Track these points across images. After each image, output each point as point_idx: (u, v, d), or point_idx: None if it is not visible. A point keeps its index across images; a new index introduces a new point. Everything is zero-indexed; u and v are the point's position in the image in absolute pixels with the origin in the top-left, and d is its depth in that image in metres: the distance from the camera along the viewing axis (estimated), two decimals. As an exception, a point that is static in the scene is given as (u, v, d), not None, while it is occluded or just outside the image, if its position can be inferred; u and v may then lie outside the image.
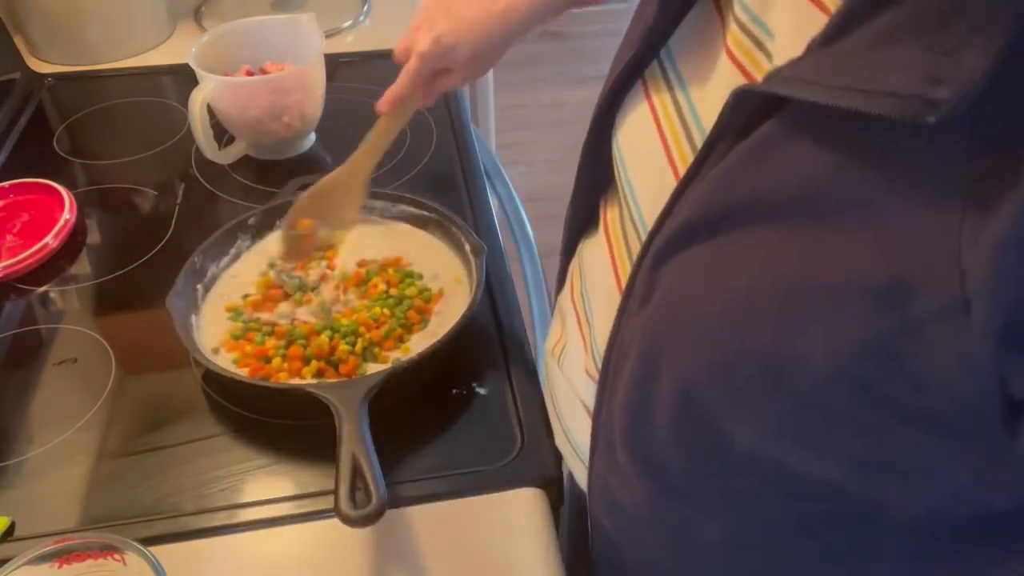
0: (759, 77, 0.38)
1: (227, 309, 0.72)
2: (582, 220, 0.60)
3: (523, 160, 2.38)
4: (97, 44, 1.10)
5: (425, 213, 0.78)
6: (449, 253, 0.76)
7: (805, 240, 0.33)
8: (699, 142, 0.41)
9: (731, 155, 0.36)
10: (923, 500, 0.39)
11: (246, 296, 0.73)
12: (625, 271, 0.49)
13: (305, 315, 0.71)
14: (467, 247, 0.74)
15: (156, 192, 0.90)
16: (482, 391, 0.68)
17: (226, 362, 0.67)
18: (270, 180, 0.89)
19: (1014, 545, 0.40)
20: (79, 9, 1.06)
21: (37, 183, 0.87)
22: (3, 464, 0.63)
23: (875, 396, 0.33)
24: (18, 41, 1.10)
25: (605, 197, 0.56)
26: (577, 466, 0.58)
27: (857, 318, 0.32)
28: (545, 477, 0.62)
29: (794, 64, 0.32)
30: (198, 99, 0.83)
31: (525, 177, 2.27)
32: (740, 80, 0.39)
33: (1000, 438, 0.31)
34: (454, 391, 0.68)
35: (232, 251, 0.77)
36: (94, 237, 0.86)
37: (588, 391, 0.54)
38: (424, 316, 0.71)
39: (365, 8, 1.20)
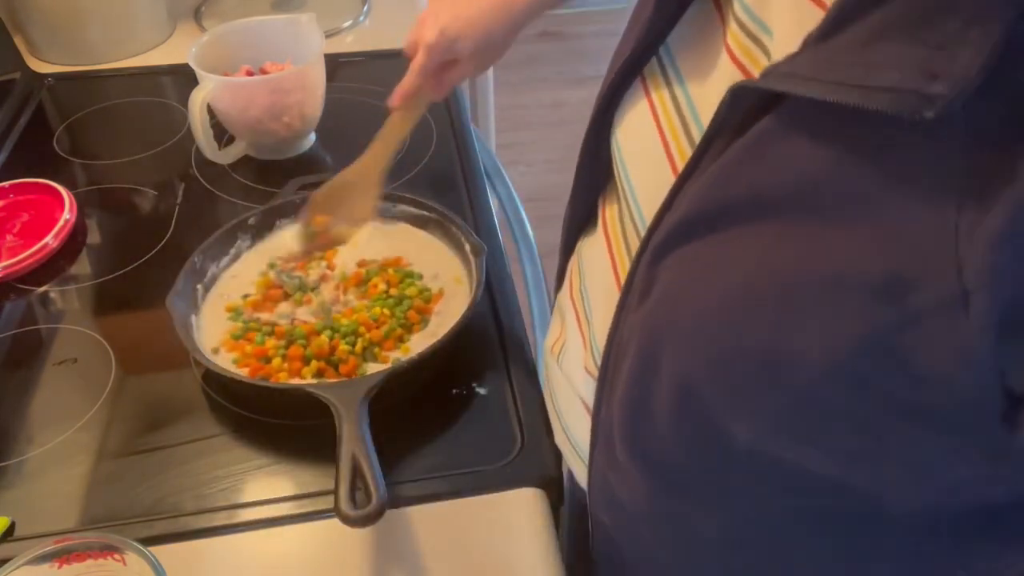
0: (757, 75, 0.38)
1: (227, 309, 0.72)
2: (581, 218, 0.60)
3: (523, 160, 2.39)
4: (97, 44, 1.10)
5: (425, 213, 0.78)
6: (449, 253, 0.76)
7: (802, 236, 0.33)
8: (698, 138, 0.41)
9: (728, 152, 0.36)
10: (921, 494, 0.39)
11: (246, 296, 0.73)
12: (624, 268, 0.49)
13: (305, 315, 0.71)
14: (467, 247, 0.74)
15: (156, 192, 0.90)
16: (482, 391, 0.68)
17: (226, 362, 0.67)
18: (270, 180, 0.89)
19: (1013, 542, 0.40)
20: (79, 9, 1.06)
21: (37, 183, 0.88)
22: (3, 464, 0.63)
23: (873, 392, 0.33)
24: (18, 41, 1.10)
25: (604, 195, 0.56)
26: (577, 464, 0.58)
27: (855, 314, 0.32)
28: (545, 477, 0.61)
29: (790, 60, 0.32)
30: (198, 99, 0.83)
31: (525, 177, 2.27)
32: (739, 78, 0.39)
33: (999, 432, 0.31)
34: (454, 391, 0.68)
35: (232, 251, 0.77)
36: (94, 237, 0.86)
37: (587, 388, 0.54)
38: (424, 316, 0.71)
39: (365, 8, 1.20)
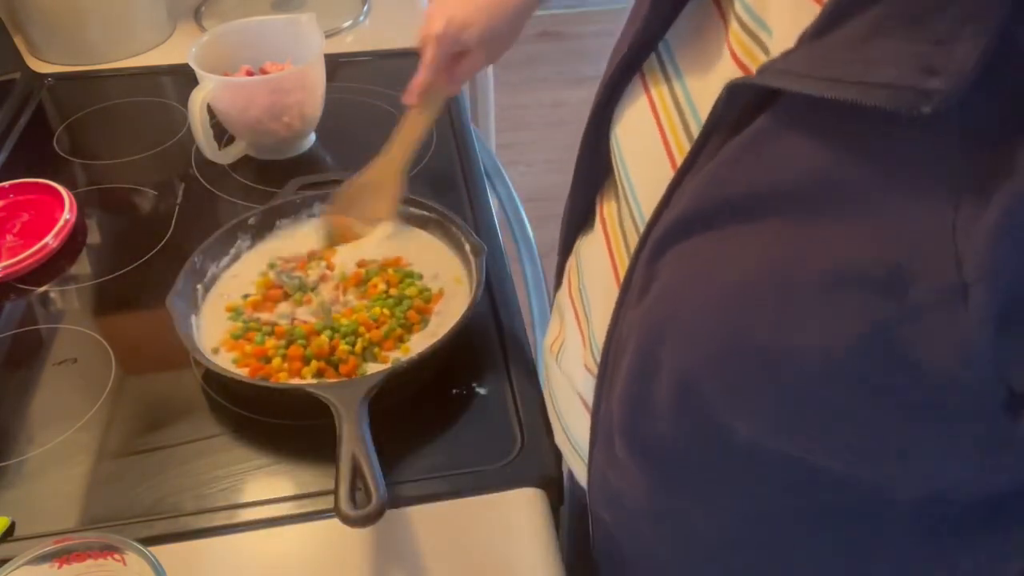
0: None
1: (227, 309, 0.72)
2: (580, 216, 0.60)
3: (523, 160, 2.39)
4: (97, 44, 1.10)
5: (425, 213, 0.78)
6: (449, 253, 0.76)
7: (801, 232, 0.33)
8: (696, 134, 0.41)
9: (726, 149, 0.36)
10: (922, 486, 0.39)
11: (246, 296, 0.73)
12: (623, 264, 0.49)
13: (305, 315, 0.71)
14: (467, 247, 0.74)
15: (156, 192, 0.90)
16: (482, 391, 0.68)
17: (226, 362, 0.67)
18: (270, 180, 0.89)
19: (1014, 537, 0.40)
20: (79, 9, 1.06)
21: (37, 183, 0.88)
22: (3, 464, 0.63)
23: (873, 387, 0.33)
24: (18, 41, 1.10)
25: (602, 192, 0.56)
26: (576, 463, 0.58)
27: (854, 310, 0.32)
28: (545, 477, 0.61)
29: (785, 57, 0.32)
30: (198, 99, 0.83)
31: (525, 177, 2.27)
32: (740, 75, 0.39)
33: (1002, 421, 0.31)
34: (454, 391, 0.68)
35: (232, 251, 0.77)
36: (94, 237, 0.86)
37: (587, 386, 0.54)
38: (424, 316, 0.71)
39: (365, 8, 1.20)
